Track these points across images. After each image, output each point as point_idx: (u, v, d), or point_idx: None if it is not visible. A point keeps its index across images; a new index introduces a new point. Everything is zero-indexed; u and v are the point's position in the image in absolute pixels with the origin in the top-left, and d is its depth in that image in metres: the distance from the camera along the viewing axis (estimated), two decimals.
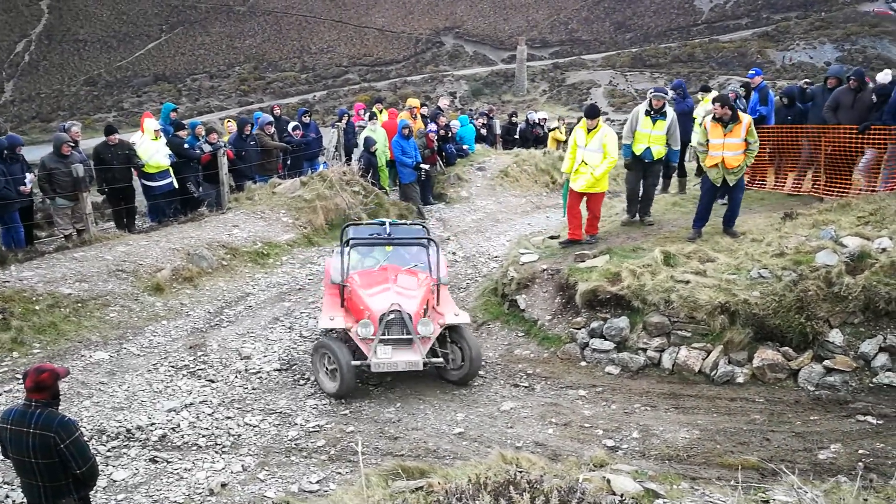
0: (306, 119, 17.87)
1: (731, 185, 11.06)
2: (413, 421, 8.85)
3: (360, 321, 9.41)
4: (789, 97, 13.88)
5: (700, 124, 11.26)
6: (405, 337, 9.43)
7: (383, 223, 10.88)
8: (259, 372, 9.86)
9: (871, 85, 12.32)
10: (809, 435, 8.28)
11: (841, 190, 12.23)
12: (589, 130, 11.38)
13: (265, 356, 10.27)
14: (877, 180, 11.85)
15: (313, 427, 8.68)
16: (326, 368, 9.46)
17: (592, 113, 11.50)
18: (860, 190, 11.90)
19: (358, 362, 9.19)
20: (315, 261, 13.96)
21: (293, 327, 11.19)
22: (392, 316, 9.40)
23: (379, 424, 8.76)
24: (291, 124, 17.47)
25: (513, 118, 25.08)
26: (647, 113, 11.65)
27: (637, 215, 12.59)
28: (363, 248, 10.64)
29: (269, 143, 16.46)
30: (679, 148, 12.29)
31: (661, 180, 14.27)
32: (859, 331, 9.16)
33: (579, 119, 13.97)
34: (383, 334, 9.34)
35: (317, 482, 7.60)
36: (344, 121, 18.90)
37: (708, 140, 10.90)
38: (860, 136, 11.71)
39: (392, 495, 5.98)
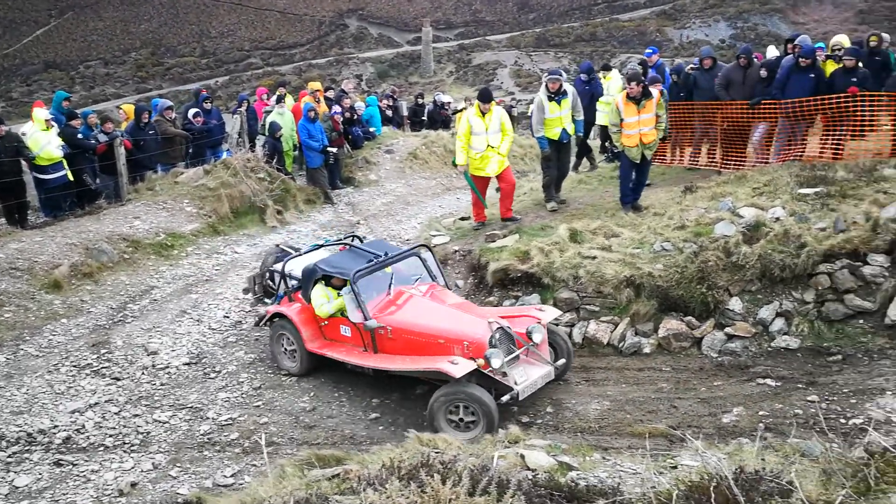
0: (207, 105, 17.37)
1: (647, 159, 11.36)
2: (328, 409, 8.78)
3: (486, 352, 8.04)
4: (680, 74, 14.27)
5: (610, 104, 11.42)
6: (516, 352, 8.50)
7: (349, 243, 10.15)
8: (167, 367, 9.59)
9: (757, 61, 12.78)
10: (714, 400, 8.58)
11: (737, 163, 12.68)
12: (483, 114, 11.43)
13: (173, 350, 9.99)
14: (769, 152, 12.33)
15: (226, 420, 8.51)
16: (285, 349, 9.52)
17: (487, 97, 11.57)
18: (754, 162, 12.36)
19: (506, 397, 8.09)
20: (221, 250, 13.64)
21: (201, 319, 10.91)
22: (498, 335, 8.38)
23: (293, 414, 8.66)
24: (192, 111, 16.94)
25: (419, 100, 25.01)
26: (550, 98, 11.76)
27: (555, 202, 12.57)
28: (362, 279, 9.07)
29: (169, 130, 15.94)
30: (583, 118, 12.47)
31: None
32: (757, 298, 9.55)
33: (461, 109, 14.05)
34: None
35: (231, 476, 7.47)
36: (245, 106, 18.45)
37: (622, 119, 11.11)
38: (752, 110, 12.15)
39: (308, 484, 5.91)
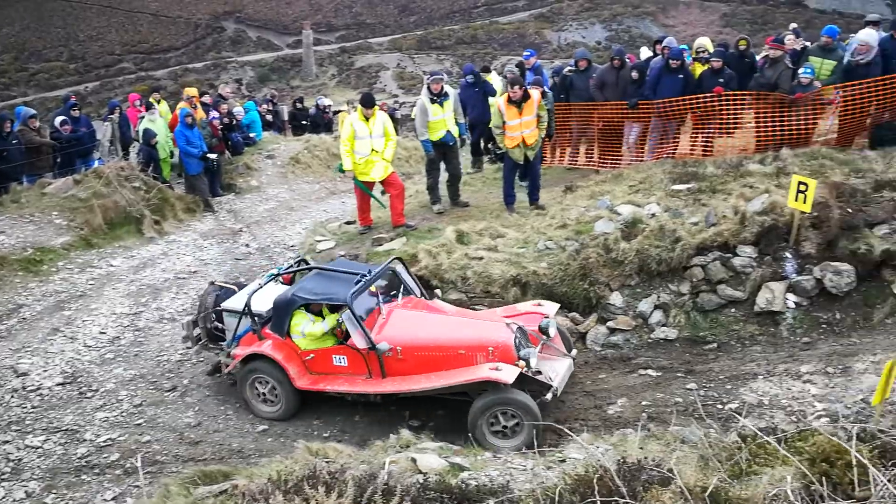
0: (76, 112, 16.57)
1: (531, 160, 11.52)
2: (214, 423, 8.52)
3: (523, 353, 7.87)
4: (558, 76, 14.62)
5: (494, 106, 11.54)
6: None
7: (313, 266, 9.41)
8: (39, 388, 9.06)
9: (630, 62, 13.24)
10: (599, 392, 8.81)
11: (613, 161, 13.09)
12: (367, 118, 11.34)
13: (45, 370, 9.45)
14: (644, 151, 12.79)
15: (105, 441, 8.12)
16: (261, 394, 8.62)
17: (370, 101, 11.49)
18: (630, 161, 12.79)
19: (548, 395, 7.84)
20: (96, 263, 13.03)
21: (76, 337, 10.38)
22: (517, 336, 8.13)
23: (178, 431, 8.35)
24: (59, 118, 16.12)
25: (298, 104, 24.68)
26: (432, 100, 11.79)
27: (441, 203, 12.56)
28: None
29: (34, 139, 15.11)
30: (465, 121, 12.56)
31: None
32: (636, 291, 9.87)
33: (340, 111, 13.93)
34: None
35: (112, 499, 7.14)
36: (117, 113, 17.70)
37: (504, 122, 11.25)
38: (626, 110, 12.56)
39: (195, 502, 5.72)
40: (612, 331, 9.70)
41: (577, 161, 14.10)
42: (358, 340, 8.15)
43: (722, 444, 5.53)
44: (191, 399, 9.02)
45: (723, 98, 11.62)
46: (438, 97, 11.74)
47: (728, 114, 11.77)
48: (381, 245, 11.14)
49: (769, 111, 11.63)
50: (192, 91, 18.47)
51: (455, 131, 12.07)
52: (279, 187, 17.93)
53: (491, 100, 13.83)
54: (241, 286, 9.63)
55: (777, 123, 11.58)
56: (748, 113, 12.08)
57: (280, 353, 8.45)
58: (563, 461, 6.24)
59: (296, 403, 8.53)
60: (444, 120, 11.88)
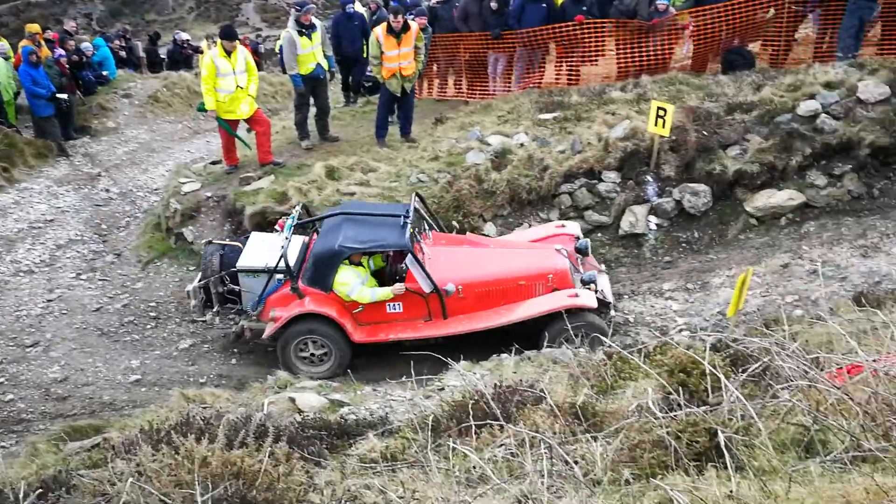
0: None
1: (407, 91, 11.37)
2: (82, 376, 8.21)
3: (586, 275, 8.04)
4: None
5: (372, 35, 11.21)
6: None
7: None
8: None
9: None
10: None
11: (482, 92, 13.13)
12: (229, 53, 10.83)
13: None
14: (511, 81, 12.87)
15: None
16: (312, 354, 8.11)
17: (231, 35, 10.97)
18: (496, 91, 12.86)
19: (613, 313, 8.04)
20: None
21: None
22: (569, 262, 8.20)
23: (43, 387, 8.01)
24: None
25: (154, 39, 23.36)
26: (300, 33, 11.36)
27: (310, 139, 12.22)
28: None
29: None
30: (332, 54, 12.24)
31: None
32: (508, 221, 10.07)
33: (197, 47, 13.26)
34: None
35: None
36: None
37: (382, 52, 11.01)
38: (493, 41, 12.54)
39: (64, 459, 5.52)
40: None
41: (446, 93, 14.06)
42: (424, 284, 7.86)
43: (591, 362, 5.80)
44: (55, 353, 8.63)
45: (585, 26, 11.78)
46: (307, 29, 11.34)
47: (591, 42, 11.96)
48: (248, 184, 10.83)
49: (629, 39, 11.90)
50: (34, 27, 17.10)
51: (325, 64, 11.75)
52: (138, 128, 17.05)
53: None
54: (244, 242, 8.81)
55: (636, 51, 11.88)
56: (610, 41, 12.31)
57: (332, 309, 7.93)
58: (442, 389, 6.38)
59: (349, 359, 8.07)
60: (314, 53, 11.51)
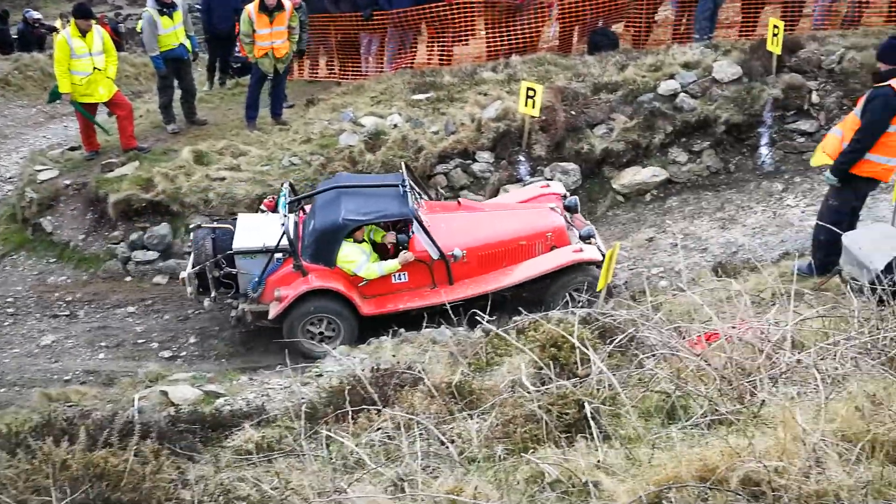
0: None
1: (280, 72, 11.08)
2: None
3: (583, 231, 8.15)
4: None
5: (244, 12, 10.82)
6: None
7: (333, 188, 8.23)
8: None
9: None
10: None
11: (354, 73, 13.00)
12: (84, 33, 10.23)
13: None
14: (383, 62, 12.79)
15: None
16: (321, 333, 7.80)
17: (87, 13, 10.37)
18: (369, 71, 12.76)
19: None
20: None
21: None
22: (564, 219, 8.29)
23: None
24: None
25: (4, 17, 21.86)
26: (161, 12, 10.86)
27: (176, 123, 11.72)
28: None
29: None
30: (194, 34, 11.78)
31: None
32: None
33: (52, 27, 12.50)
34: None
35: None
36: None
37: (254, 30, 10.67)
38: (365, 21, 12.40)
39: None
40: None
41: (317, 73, 13.84)
42: (431, 251, 7.77)
43: (469, 341, 5.88)
44: None
45: (455, 7, 11.83)
46: (168, 8, 10.85)
47: (461, 22, 12.03)
48: (111, 171, 10.32)
49: (498, 19, 12.04)
50: None
51: (188, 44, 11.30)
52: None
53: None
54: (233, 224, 8.43)
55: (506, 31, 12.03)
56: (480, 21, 12.41)
57: (339, 283, 7.69)
58: (320, 375, 6.33)
59: (356, 334, 7.76)
60: (176, 33, 11.05)
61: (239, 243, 7.99)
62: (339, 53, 13.31)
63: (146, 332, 8.55)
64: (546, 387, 3.68)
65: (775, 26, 10.03)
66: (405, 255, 7.78)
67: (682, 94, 10.26)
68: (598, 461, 2.86)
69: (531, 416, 3.43)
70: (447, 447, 3.27)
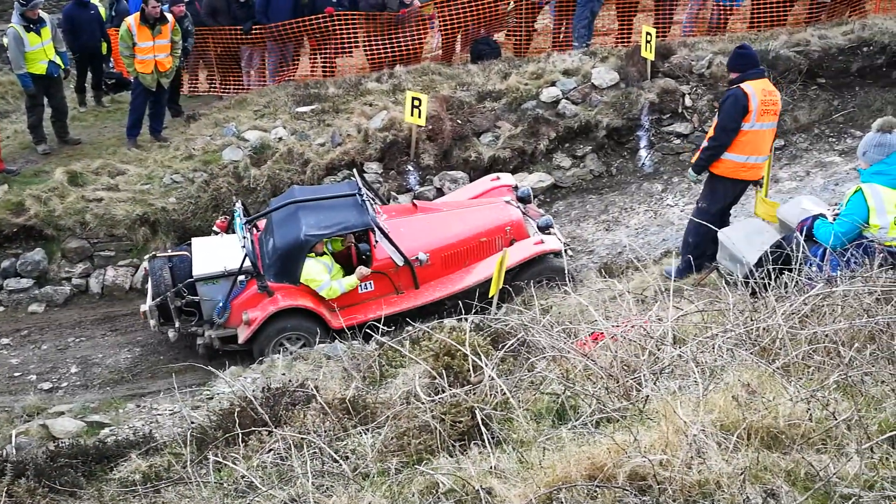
0: None
1: (164, 87, 10.70)
2: None
3: (541, 220, 8.28)
4: None
5: (124, 25, 10.38)
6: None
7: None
8: None
9: None
10: None
11: (236, 87, 12.73)
12: None
13: None
14: (265, 75, 12.58)
15: None
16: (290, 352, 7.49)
17: None
18: (252, 85, 12.52)
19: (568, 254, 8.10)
20: None
21: None
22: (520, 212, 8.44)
23: None
24: None
25: None
26: (28, 28, 10.31)
27: (47, 143, 11.13)
28: None
29: None
30: (65, 50, 11.26)
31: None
32: None
33: None
34: None
35: None
36: None
37: (135, 44, 10.27)
38: (245, 35, 12.15)
39: None
40: None
41: (197, 88, 13.48)
42: (395, 258, 7.74)
43: (363, 355, 5.83)
44: None
45: (335, 19, 11.76)
46: (35, 24, 10.32)
47: (343, 34, 11.96)
48: None
49: (381, 30, 12.04)
50: None
51: (59, 61, 10.78)
52: None
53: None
54: (188, 249, 8.15)
55: (389, 42, 12.05)
56: (363, 32, 12.38)
57: (307, 300, 7.58)
58: (211, 398, 6.16)
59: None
60: (44, 49, 10.52)
61: (199, 269, 7.77)
62: (219, 67, 13.01)
63: (23, 364, 8.13)
64: (440, 396, 3.68)
65: (648, 33, 10.44)
66: (361, 271, 7.75)
67: (564, 101, 10.53)
68: (492, 467, 2.88)
69: (425, 427, 3.42)
70: (340, 464, 3.22)
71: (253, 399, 4.25)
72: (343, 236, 7.99)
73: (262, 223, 8.41)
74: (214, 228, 8.73)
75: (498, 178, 9.38)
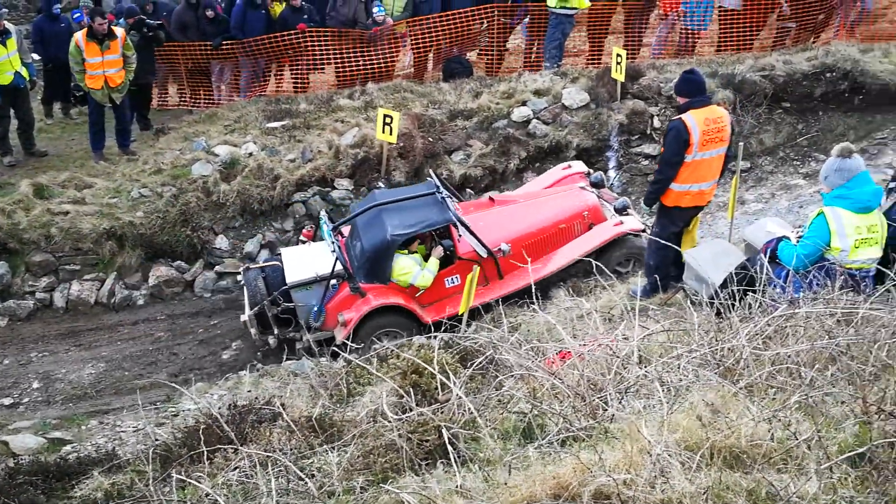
0: None
1: (116, 102, 10.60)
2: None
3: (617, 203, 8.41)
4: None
5: (73, 41, 10.26)
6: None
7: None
8: None
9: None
10: (212, 339, 8.73)
11: (206, 101, 12.65)
12: None
13: None
14: (237, 89, 12.52)
15: None
16: None
17: None
18: (222, 99, 12.45)
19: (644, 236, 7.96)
20: None
21: None
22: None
23: None
24: None
25: None
26: None
27: (13, 155, 10.97)
28: None
29: None
30: (31, 60, 11.12)
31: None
32: (241, 233, 9.86)
33: None
34: None
35: None
36: None
37: (84, 59, 10.17)
38: (214, 50, 12.08)
39: None
40: (221, 275, 9.62)
41: (167, 102, 13.37)
42: (479, 250, 7.91)
43: (332, 372, 5.81)
44: None
45: (307, 35, 11.75)
46: (1, 36, 10.20)
47: (315, 51, 11.95)
48: None
49: (352, 47, 12.05)
50: None
51: (24, 72, 10.66)
52: None
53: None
54: (279, 259, 8.51)
55: (361, 59, 12.05)
56: (334, 49, 12.38)
57: (399, 297, 7.83)
58: (176, 415, 6.10)
59: None
60: (10, 61, 10.40)
61: (293, 277, 8.07)
62: (189, 81, 12.93)
63: None
64: (407, 415, 3.67)
65: (618, 55, 10.58)
66: (436, 251, 8.00)
67: (535, 121, 10.62)
68: (457, 486, 2.88)
69: (391, 446, 3.42)
70: (306, 482, 3.20)
71: (219, 416, 4.21)
72: (424, 235, 8.18)
73: (345, 229, 8.65)
74: (301, 238, 9.19)
75: (569, 166, 9.53)
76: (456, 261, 8.09)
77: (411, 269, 7.90)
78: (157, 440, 5.04)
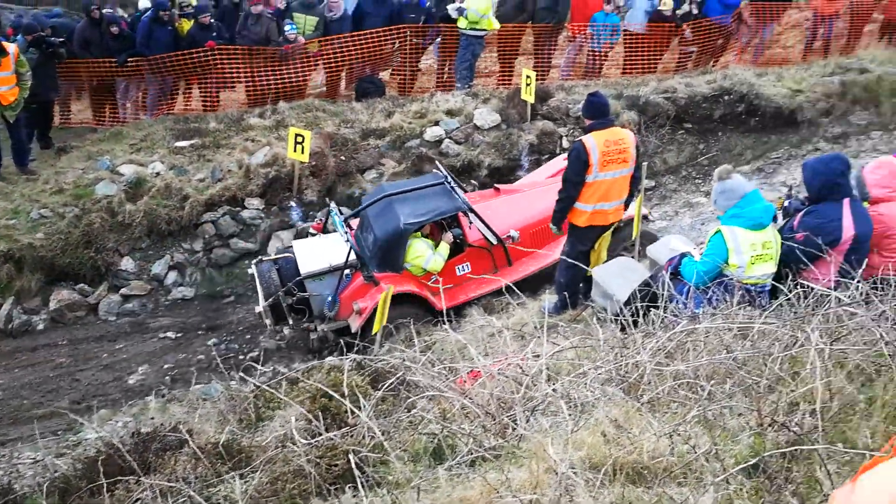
0: None
1: (9, 120, 10.18)
2: None
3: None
4: None
5: None
6: None
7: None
8: None
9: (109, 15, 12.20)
10: (117, 364, 8.45)
11: (111, 119, 12.30)
12: None
13: None
14: (143, 108, 12.22)
15: None
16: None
17: None
18: (128, 118, 12.12)
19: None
20: None
21: None
22: None
23: None
24: None
25: None
26: None
27: None
28: None
29: None
30: None
31: None
32: (148, 254, 9.62)
33: None
34: None
35: None
36: None
37: None
38: (119, 67, 11.75)
39: None
40: (127, 297, 9.36)
41: (70, 119, 12.94)
42: (490, 237, 8.05)
43: (242, 396, 5.69)
44: None
45: (217, 53, 11.56)
46: None
47: (225, 68, 11.76)
48: None
49: (263, 65, 11.91)
50: None
51: None
52: None
53: None
54: (291, 251, 8.54)
55: (272, 77, 11.92)
56: (245, 67, 12.22)
57: (412, 285, 7.87)
58: (78, 445, 5.87)
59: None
60: None
61: (306, 268, 8.08)
62: (93, 98, 12.55)
63: None
64: (315, 439, 3.63)
65: (528, 76, 10.79)
66: (447, 236, 8.09)
67: (447, 140, 10.73)
68: None
69: (300, 471, 3.37)
70: None
71: (120, 446, 4.07)
72: (437, 221, 8.20)
73: (354, 222, 8.66)
74: (311, 230, 9.18)
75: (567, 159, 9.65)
76: (466, 248, 8.25)
77: (424, 252, 7.99)
78: (55, 472, 4.83)
